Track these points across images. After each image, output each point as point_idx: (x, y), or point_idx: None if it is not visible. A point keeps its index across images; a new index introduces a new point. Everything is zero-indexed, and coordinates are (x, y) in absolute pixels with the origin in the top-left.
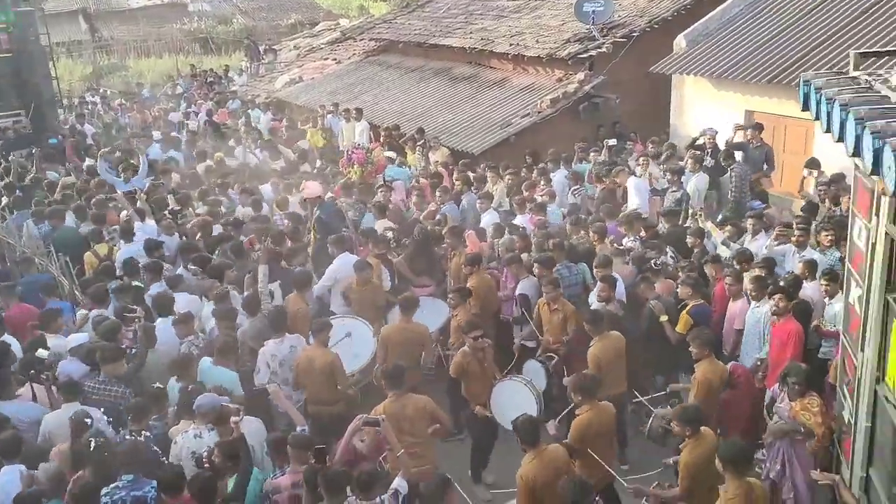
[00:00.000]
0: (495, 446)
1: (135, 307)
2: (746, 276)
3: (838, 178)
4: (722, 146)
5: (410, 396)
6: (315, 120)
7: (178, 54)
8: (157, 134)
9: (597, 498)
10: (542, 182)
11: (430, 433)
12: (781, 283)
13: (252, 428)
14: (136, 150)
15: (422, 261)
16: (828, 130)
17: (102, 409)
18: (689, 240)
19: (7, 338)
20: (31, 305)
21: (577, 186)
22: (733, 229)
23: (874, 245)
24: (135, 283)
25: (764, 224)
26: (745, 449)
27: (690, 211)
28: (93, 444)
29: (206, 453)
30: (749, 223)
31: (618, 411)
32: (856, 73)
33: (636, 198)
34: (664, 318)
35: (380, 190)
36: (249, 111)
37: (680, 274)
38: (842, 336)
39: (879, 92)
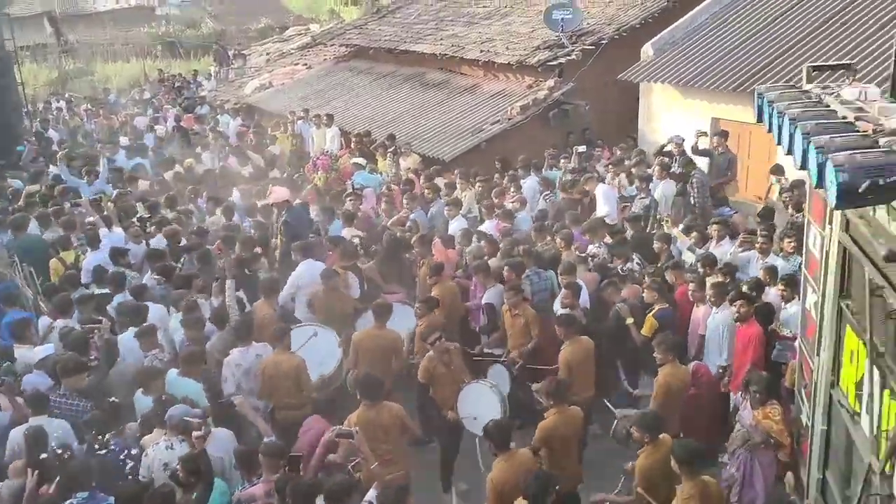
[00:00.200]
0: (467, 453)
1: (100, 318)
2: (708, 282)
3: (799, 184)
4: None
5: (385, 404)
6: (285, 125)
7: (145, 59)
8: (124, 140)
9: (556, 488)
10: (513, 188)
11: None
12: (744, 289)
13: (221, 438)
14: (99, 154)
15: (392, 267)
16: (780, 143)
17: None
18: (656, 245)
19: None
20: None
21: (548, 192)
22: (699, 235)
23: (828, 252)
24: (101, 291)
25: (728, 230)
26: (698, 449)
27: (658, 217)
28: (60, 457)
29: (178, 465)
30: (713, 229)
31: (585, 415)
32: (808, 87)
33: (605, 205)
34: (630, 320)
35: (348, 198)
36: (218, 116)
37: (646, 279)
38: (799, 340)
39: (829, 106)
